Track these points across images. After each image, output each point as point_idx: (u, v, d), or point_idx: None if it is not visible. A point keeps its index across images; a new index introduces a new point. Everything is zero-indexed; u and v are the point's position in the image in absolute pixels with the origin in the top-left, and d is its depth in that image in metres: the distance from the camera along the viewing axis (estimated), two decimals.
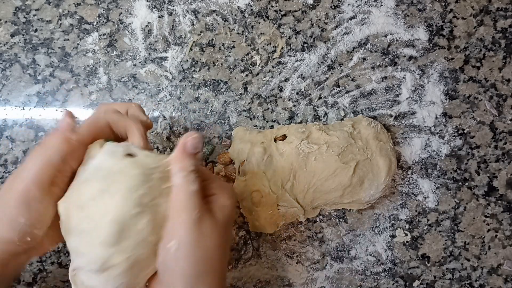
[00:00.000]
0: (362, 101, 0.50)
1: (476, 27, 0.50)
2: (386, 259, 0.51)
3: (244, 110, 0.50)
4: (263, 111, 0.50)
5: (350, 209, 0.50)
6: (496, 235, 0.51)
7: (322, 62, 0.50)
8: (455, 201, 0.51)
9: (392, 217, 0.51)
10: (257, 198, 0.45)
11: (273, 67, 0.50)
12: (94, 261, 0.29)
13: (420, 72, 0.50)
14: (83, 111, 0.50)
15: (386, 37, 0.50)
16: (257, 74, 0.50)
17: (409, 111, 0.50)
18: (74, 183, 0.32)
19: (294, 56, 0.50)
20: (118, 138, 0.36)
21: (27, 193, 0.30)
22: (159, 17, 0.50)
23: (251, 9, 0.50)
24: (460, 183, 0.51)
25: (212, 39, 0.50)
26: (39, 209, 0.31)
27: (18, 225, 0.30)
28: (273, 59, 0.50)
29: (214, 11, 0.50)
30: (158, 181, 0.31)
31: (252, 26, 0.50)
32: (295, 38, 0.50)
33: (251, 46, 0.50)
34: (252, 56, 0.50)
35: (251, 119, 0.50)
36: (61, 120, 0.33)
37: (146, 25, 0.50)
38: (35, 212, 0.31)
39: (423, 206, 0.51)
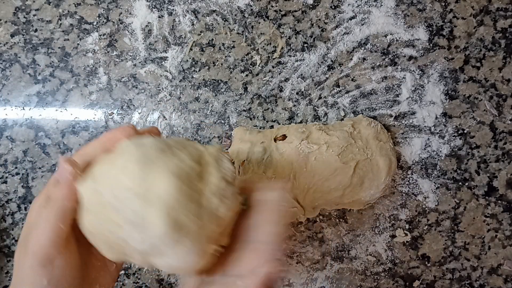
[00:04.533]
0: (362, 101, 0.50)
1: (476, 27, 0.50)
2: (386, 259, 0.51)
3: (244, 110, 0.50)
4: (263, 111, 0.50)
5: (350, 209, 0.50)
6: (496, 235, 0.51)
7: (322, 62, 0.50)
8: (455, 201, 0.51)
9: (392, 217, 0.51)
10: None
11: (273, 67, 0.50)
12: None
13: (420, 72, 0.50)
14: (83, 111, 0.50)
15: (386, 37, 0.50)
16: (257, 74, 0.50)
17: (409, 111, 0.50)
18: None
19: (294, 56, 0.50)
20: None
21: (45, 256, 0.28)
22: (159, 17, 0.50)
23: (251, 9, 0.50)
24: (460, 183, 0.51)
25: (212, 39, 0.50)
26: (59, 266, 0.29)
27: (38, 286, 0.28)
28: (273, 59, 0.50)
29: (214, 11, 0.50)
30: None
31: (252, 26, 0.50)
32: (295, 38, 0.50)
33: (251, 46, 0.50)
34: (252, 56, 0.50)
35: (251, 119, 0.50)
36: (61, 169, 0.29)
37: (146, 25, 0.50)
38: (57, 269, 0.29)
39: (423, 206, 0.51)
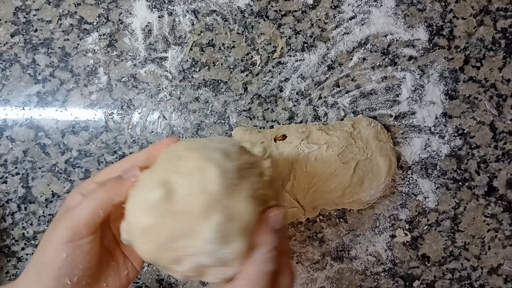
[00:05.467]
0: (362, 101, 0.50)
1: (476, 27, 0.50)
2: (386, 259, 0.51)
3: (244, 110, 0.50)
4: (263, 111, 0.50)
5: (350, 209, 0.50)
6: (496, 235, 0.51)
7: (322, 62, 0.50)
8: (455, 201, 0.51)
9: (392, 217, 0.51)
10: None
11: (273, 67, 0.50)
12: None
13: (420, 72, 0.50)
14: (83, 111, 0.50)
15: (386, 37, 0.50)
16: (257, 74, 0.50)
17: (409, 111, 0.50)
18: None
19: (294, 56, 0.50)
20: None
21: (75, 232, 0.30)
22: (159, 17, 0.50)
23: (251, 9, 0.50)
24: (460, 183, 0.51)
25: (212, 39, 0.50)
26: (84, 248, 0.30)
27: (57, 266, 0.29)
28: (273, 59, 0.50)
29: (214, 11, 0.50)
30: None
31: (252, 26, 0.50)
32: (295, 38, 0.50)
33: (251, 46, 0.50)
34: (252, 56, 0.50)
35: (251, 119, 0.50)
36: (132, 171, 0.31)
37: (146, 25, 0.50)
38: (79, 249, 0.30)
39: (423, 206, 0.51)
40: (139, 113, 0.50)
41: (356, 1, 0.50)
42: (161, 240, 0.28)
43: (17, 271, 0.50)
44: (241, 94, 0.50)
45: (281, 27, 0.50)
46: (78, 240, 0.30)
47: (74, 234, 0.29)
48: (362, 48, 0.50)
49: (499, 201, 0.51)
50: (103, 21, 0.50)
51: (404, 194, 0.51)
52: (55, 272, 0.29)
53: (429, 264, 0.51)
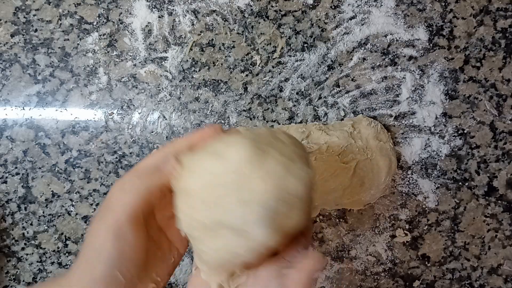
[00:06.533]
0: (362, 101, 0.50)
1: (476, 27, 0.50)
2: (386, 259, 0.51)
3: (244, 110, 0.50)
4: (263, 111, 0.50)
5: (350, 209, 0.50)
6: (496, 235, 0.51)
7: (322, 62, 0.50)
8: (455, 201, 0.51)
9: (392, 217, 0.51)
10: None
11: (273, 67, 0.50)
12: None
13: (420, 72, 0.50)
14: (83, 111, 0.50)
15: (386, 37, 0.50)
16: (257, 74, 0.50)
17: (409, 111, 0.50)
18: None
19: (294, 56, 0.50)
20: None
21: (120, 227, 0.30)
22: (159, 17, 0.50)
23: (251, 9, 0.50)
24: (460, 183, 0.51)
25: (212, 39, 0.50)
26: (131, 241, 0.30)
27: (109, 261, 0.30)
28: (273, 59, 0.50)
29: (214, 11, 0.50)
30: None
31: (252, 26, 0.50)
32: (295, 38, 0.50)
33: (251, 46, 0.50)
34: (252, 56, 0.50)
35: (251, 119, 0.50)
36: (170, 163, 0.31)
37: (146, 25, 0.50)
38: (126, 242, 0.30)
39: (423, 206, 0.51)
40: (139, 113, 0.50)
41: (356, 1, 0.50)
42: (206, 207, 0.28)
43: (17, 271, 0.50)
44: (241, 94, 0.50)
45: (281, 27, 0.50)
46: (123, 233, 0.30)
47: (119, 228, 0.30)
48: (362, 48, 0.50)
49: (499, 201, 0.51)
50: (103, 21, 0.50)
51: (404, 194, 0.51)
52: (105, 265, 0.30)
53: (429, 264, 0.51)
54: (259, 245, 0.27)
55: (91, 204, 0.49)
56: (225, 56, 0.50)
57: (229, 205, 0.27)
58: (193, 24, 0.50)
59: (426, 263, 0.51)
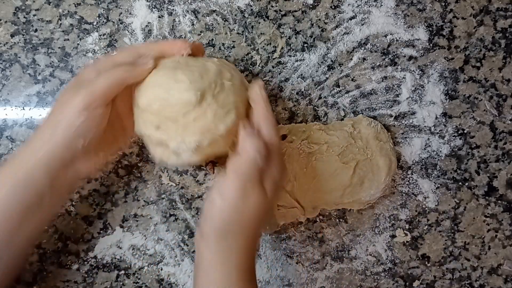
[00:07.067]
0: (362, 101, 0.50)
1: (476, 27, 0.50)
2: (386, 259, 0.51)
3: None
4: None
5: (350, 209, 0.50)
6: (496, 235, 0.51)
7: (322, 62, 0.50)
8: (455, 201, 0.51)
9: (392, 217, 0.51)
10: None
11: (273, 67, 0.50)
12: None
13: (420, 72, 0.50)
14: None
15: (386, 37, 0.50)
16: (257, 74, 0.50)
17: (409, 111, 0.50)
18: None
19: (294, 56, 0.50)
20: None
21: (95, 100, 0.35)
22: (159, 17, 0.50)
23: (251, 9, 0.50)
24: (460, 183, 0.51)
25: (212, 39, 0.50)
26: (97, 116, 0.35)
27: (74, 126, 0.35)
28: (273, 59, 0.50)
29: (214, 11, 0.50)
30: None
31: (252, 26, 0.50)
32: (295, 38, 0.50)
33: (251, 46, 0.50)
34: (252, 56, 0.50)
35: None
36: (144, 59, 0.37)
37: (146, 25, 0.50)
38: (94, 117, 0.35)
39: (423, 206, 0.51)
40: None
41: (356, 1, 0.50)
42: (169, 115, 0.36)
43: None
44: None
45: (281, 27, 0.50)
46: (94, 108, 0.35)
47: (92, 103, 0.35)
48: (362, 48, 0.50)
49: (499, 201, 0.51)
50: (103, 21, 0.50)
51: (404, 194, 0.51)
52: (71, 131, 0.35)
53: (429, 264, 0.51)
54: (187, 163, 0.40)
55: (91, 204, 0.49)
56: (225, 56, 0.50)
57: (171, 130, 0.37)
58: (193, 24, 0.50)
59: (426, 263, 0.51)
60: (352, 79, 0.50)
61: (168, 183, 0.49)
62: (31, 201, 0.36)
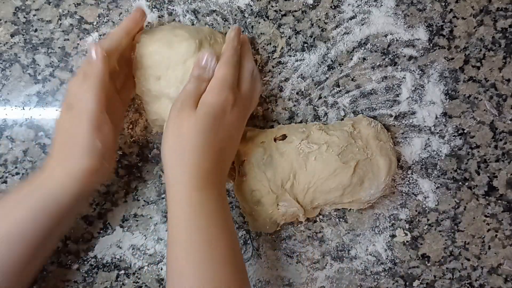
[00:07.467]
0: (362, 101, 0.50)
1: (476, 27, 0.50)
2: (386, 259, 0.51)
3: None
4: (263, 111, 0.50)
5: (350, 209, 0.50)
6: (496, 235, 0.51)
7: (322, 62, 0.50)
8: (455, 201, 0.51)
9: (392, 217, 0.51)
10: (257, 198, 0.45)
11: (273, 67, 0.50)
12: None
13: (420, 72, 0.50)
14: None
15: (386, 37, 0.50)
16: None
17: (409, 111, 0.50)
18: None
19: (294, 56, 0.50)
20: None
21: (97, 120, 0.38)
22: (159, 17, 0.50)
23: (251, 9, 0.50)
24: (460, 183, 0.51)
25: None
26: (108, 132, 0.39)
27: (96, 149, 0.38)
28: (273, 59, 0.50)
29: (214, 11, 0.50)
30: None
31: (252, 26, 0.50)
32: (295, 38, 0.50)
33: (251, 46, 0.50)
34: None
35: (251, 119, 0.50)
36: (93, 52, 0.39)
37: (146, 25, 0.50)
38: (107, 135, 0.39)
39: (423, 206, 0.51)
40: (139, 113, 0.50)
41: (356, 1, 0.50)
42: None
43: None
44: None
45: (281, 27, 0.50)
46: (103, 127, 0.39)
47: (100, 124, 0.38)
48: (362, 48, 0.50)
49: (499, 201, 0.51)
50: (103, 21, 0.50)
51: (404, 194, 0.51)
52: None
53: (429, 264, 0.51)
54: None
55: (91, 204, 0.49)
56: None
57: (171, 78, 0.41)
58: (193, 24, 0.50)
59: (426, 263, 0.51)
60: (352, 79, 0.50)
61: None
62: (57, 218, 0.39)
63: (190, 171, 0.38)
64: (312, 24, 0.50)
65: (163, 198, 0.50)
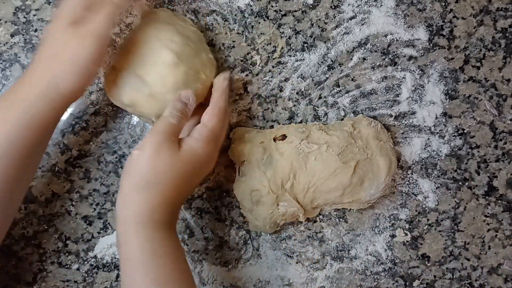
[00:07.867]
0: (362, 101, 0.50)
1: (476, 27, 0.50)
2: (386, 259, 0.51)
3: (244, 110, 0.50)
4: (263, 111, 0.50)
5: (350, 209, 0.50)
6: (496, 235, 0.51)
7: (322, 62, 0.50)
8: (455, 201, 0.51)
9: (392, 217, 0.51)
10: (257, 198, 0.45)
11: (273, 67, 0.50)
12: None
13: (420, 72, 0.50)
14: (83, 111, 0.50)
15: (386, 37, 0.50)
16: (257, 74, 0.50)
17: (409, 111, 0.50)
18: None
19: (294, 56, 0.50)
20: None
21: (103, 48, 0.38)
22: None
23: (251, 9, 0.50)
24: (460, 183, 0.51)
25: (212, 39, 0.50)
26: (105, 61, 0.43)
27: (89, 74, 0.38)
28: (273, 59, 0.50)
29: (214, 11, 0.50)
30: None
31: (252, 26, 0.50)
32: (295, 38, 0.50)
33: (251, 46, 0.50)
34: (252, 56, 0.50)
35: (251, 119, 0.50)
36: None
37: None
38: (102, 63, 0.42)
39: (423, 206, 0.51)
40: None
41: (356, 1, 0.50)
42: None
43: (16, 271, 0.50)
44: (241, 94, 0.50)
45: (281, 27, 0.50)
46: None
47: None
48: (362, 48, 0.50)
49: (499, 201, 0.51)
50: None
51: (404, 194, 0.51)
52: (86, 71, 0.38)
53: (429, 264, 0.51)
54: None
55: (91, 204, 0.49)
56: (225, 56, 0.50)
57: (145, 64, 0.41)
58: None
59: (426, 263, 0.51)
60: (352, 79, 0.50)
61: None
62: (36, 139, 0.38)
63: (148, 209, 0.37)
64: (312, 24, 0.50)
65: None
